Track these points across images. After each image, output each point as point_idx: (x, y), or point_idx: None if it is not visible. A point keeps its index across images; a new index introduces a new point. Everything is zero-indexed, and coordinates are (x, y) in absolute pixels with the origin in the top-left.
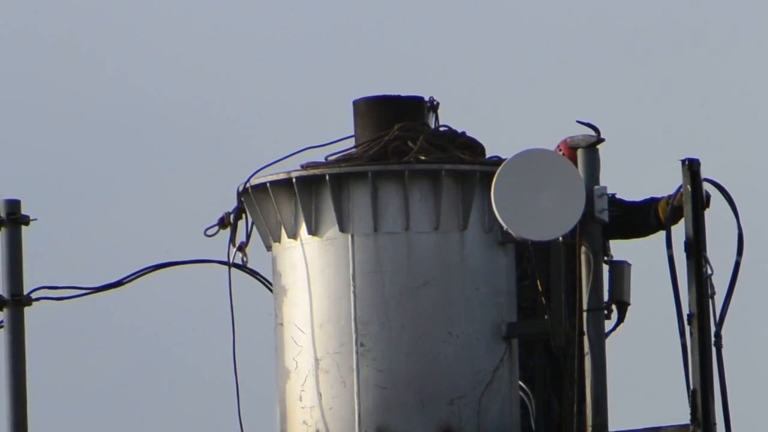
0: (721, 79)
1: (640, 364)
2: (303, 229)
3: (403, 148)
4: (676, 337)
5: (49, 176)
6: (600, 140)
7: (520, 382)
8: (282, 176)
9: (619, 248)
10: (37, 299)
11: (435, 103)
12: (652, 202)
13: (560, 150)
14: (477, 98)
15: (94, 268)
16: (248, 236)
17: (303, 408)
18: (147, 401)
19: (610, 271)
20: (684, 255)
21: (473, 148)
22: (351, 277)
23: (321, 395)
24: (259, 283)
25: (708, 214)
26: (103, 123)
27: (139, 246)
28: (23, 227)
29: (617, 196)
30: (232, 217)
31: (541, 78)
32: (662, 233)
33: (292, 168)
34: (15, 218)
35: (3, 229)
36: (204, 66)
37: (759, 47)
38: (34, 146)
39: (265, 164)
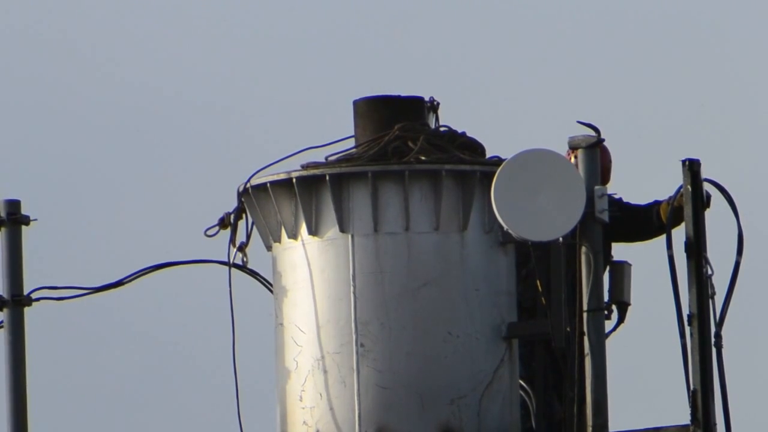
0: (721, 79)
1: (640, 365)
2: (303, 230)
3: (404, 148)
4: (677, 338)
5: (49, 176)
6: (600, 140)
7: (521, 382)
8: (282, 176)
9: (620, 248)
10: (38, 299)
11: (435, 103)
12: (655, 205)
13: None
14: (477, 98)
15: (94, 268)
16: (248, 236)
17: (303, 408)
18: (147, 401)
19: (611, 272)
20: (684, 255)
21: (473, 148)
22: (351, 277)
23: (321, 395)
24: (260, 284)
25: (708, 214)
26: (104, 123)
27: (139, 246)
28: (23, 227)
29: (622, 199)
30: (232, 217)
31: (542, 78)
32: (663, 234)
33: (292, 168)
34: (15, 218)
35: (3, 229)
36: (204, 66)
37: (759, 47)
38: (34, 146)
39: (266, 164)
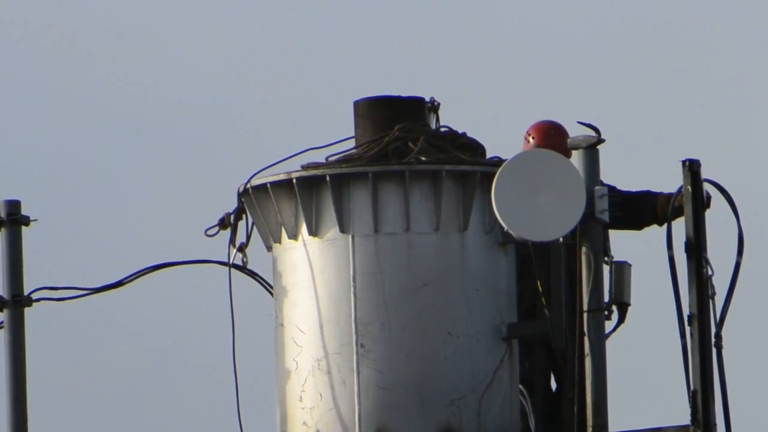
0: (721, 79)
1: (640, 365)
2: (303, 230)
3: (404, 148)
4: (677, 338)
5: (49, 176)
6: (600, 141)
7: (521, 387)
8: (282, 177)
9: (620, 249)
10: (38, 300)
11: (435, 103)
12: (650, 195)
13: (530, 135)
14: (477, 98)
15: (94, 268)
16: (248, 237)
17: (303, 409)
18: (147, 402)
19: (611, 272)
20: (684, 256)
21: (474, 148)
22: (351, 277)
23: (321, 396)
24: (259, 284)
25: (708, 214)
26: (104, 123)
27: (139, 246)
28: (23, 228)
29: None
30: (232, 217)
31: (542, 78)
32: (659, 231)
33: (292, 169)
34: (15, 219)
35: (3, 229)
36: (204, 66)
37: (759, 47)
38: (34, 146)
39: (266, 165)
